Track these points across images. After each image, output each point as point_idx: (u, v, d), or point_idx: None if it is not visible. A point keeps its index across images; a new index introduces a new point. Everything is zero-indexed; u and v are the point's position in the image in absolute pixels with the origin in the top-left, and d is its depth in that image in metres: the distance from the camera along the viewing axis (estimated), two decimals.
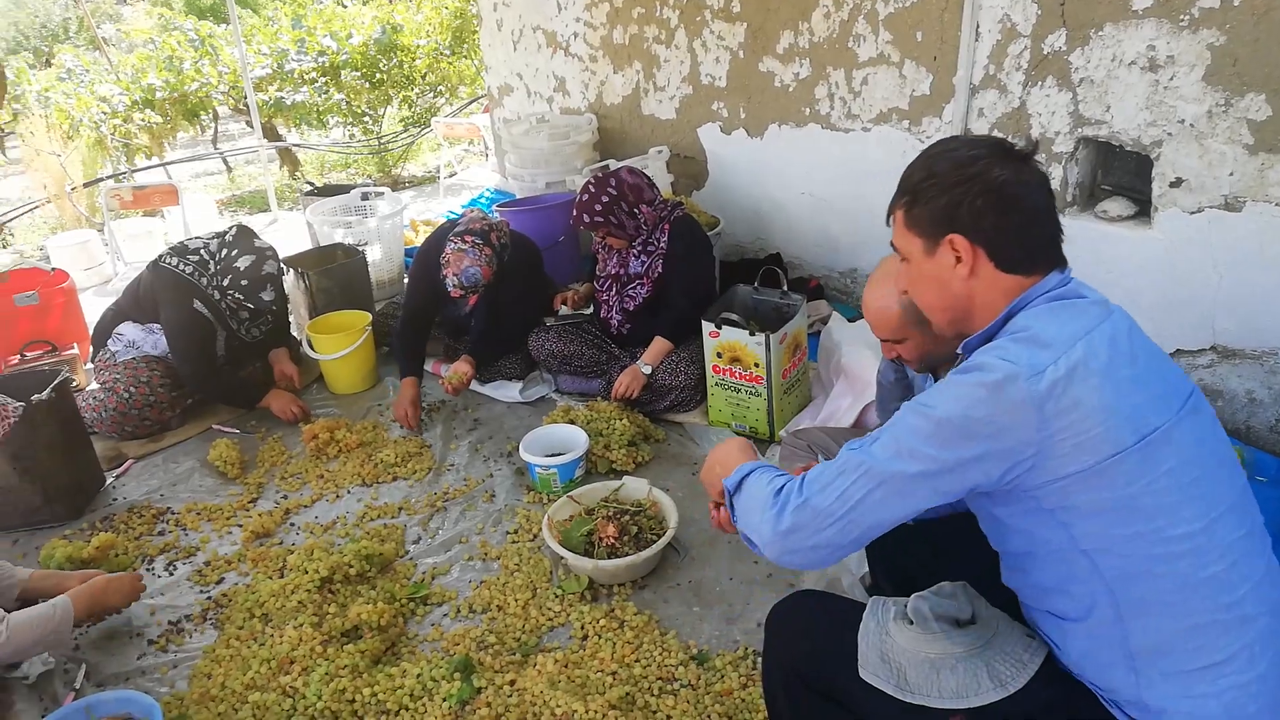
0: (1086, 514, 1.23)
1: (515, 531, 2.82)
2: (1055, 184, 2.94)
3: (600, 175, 3.29)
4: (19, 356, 3.81)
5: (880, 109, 3.53)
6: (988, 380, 1.21)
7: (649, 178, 3.36)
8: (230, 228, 3.55)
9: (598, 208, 3.23)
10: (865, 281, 2.54)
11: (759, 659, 2.21)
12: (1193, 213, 2.68)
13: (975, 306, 1.36)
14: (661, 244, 3.31)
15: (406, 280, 3.84)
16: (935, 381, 2.06)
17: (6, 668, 2.32)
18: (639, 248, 3.34)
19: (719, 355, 3.08)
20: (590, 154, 4.68)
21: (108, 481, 3.23)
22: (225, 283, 3.42)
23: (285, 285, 3.87)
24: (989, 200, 1.30)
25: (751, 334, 2.96)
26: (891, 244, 1.43)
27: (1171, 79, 2.62)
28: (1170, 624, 1.23)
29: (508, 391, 3.60)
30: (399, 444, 3.31)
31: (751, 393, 3.06)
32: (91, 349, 3.66)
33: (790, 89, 3.82)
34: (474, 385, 3.64)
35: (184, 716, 2.17)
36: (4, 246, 7.80)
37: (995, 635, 1.39)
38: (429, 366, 3.77)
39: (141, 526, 2.96)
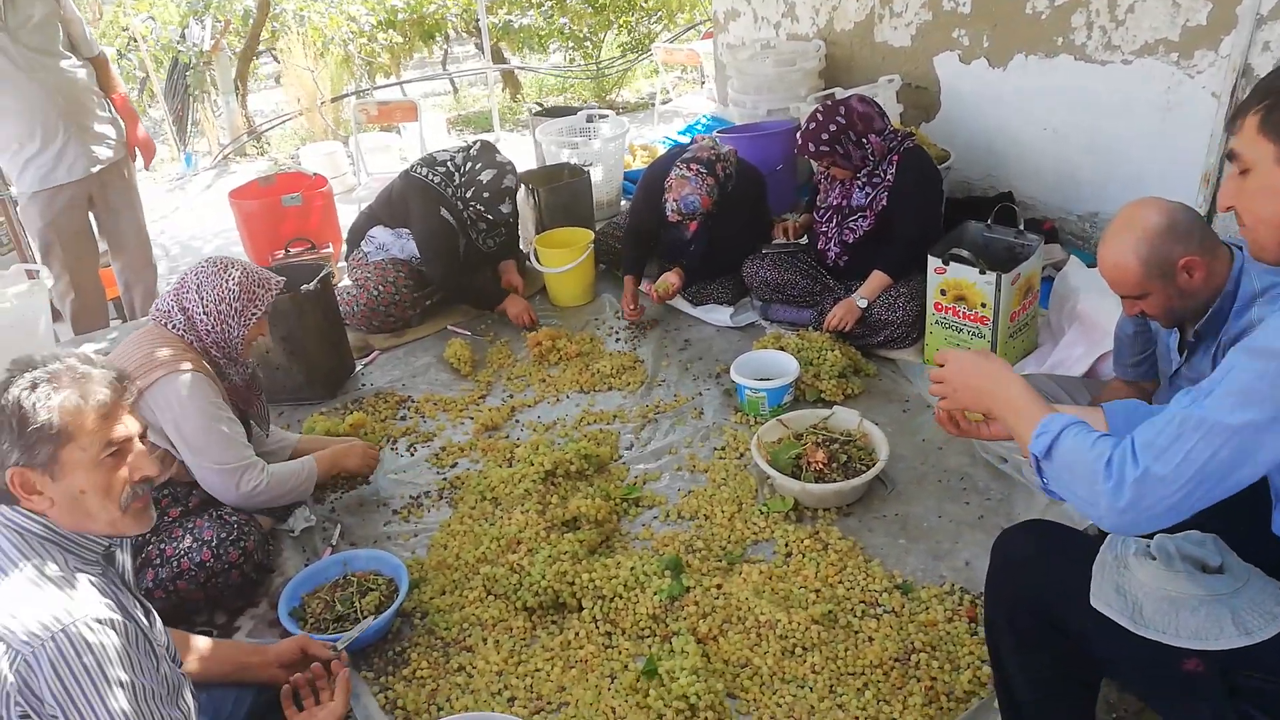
0: None
1: (723, 448, 2.91)
2: None
3: (829, 103, 3.24)
4: (284, 252, 4.25)
5: (1145, 40, 3.25)
6: None
7: (880, 106, 3.27)
8: (474, 142, 3.77)
9: (824, 136, 3.18)
10: (1105, 226, 2.40)
11: (966, 596, 2.20)
12: None
13: None
14: (888, 176, 3.23)
15: (628, 202, 3.96)
16: (1182, 337, 1.94)
17: (278, 521, 2.67)
18: (864, 179, 3.27)
19: (942, 292, 3.00)
20: (815, 81, 4.59)
21: (357, 368, 3.58)
22: (469, 194, 3.65)
23: (517, 200, 4.09)
24: None
25: (981, 272, 2.86)
26: (1227, 153, 1.29)
27: None
28: None
29: (718, 315, 3.67)
30: (614, 357, 3.47)
31: (974, 333, 2.98)
32: (345, 249, 4.03)
33: (1043, 16, 3.58)
34: (685, 307, 3.74)
35: (424, 579, 2.43)
36: (261, 154, 8.63)
37: (1244, 586, 1.34)
38: (642, 287, 3.90)
39: (386, 411, 3.28)
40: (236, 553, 2.29)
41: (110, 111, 3.80)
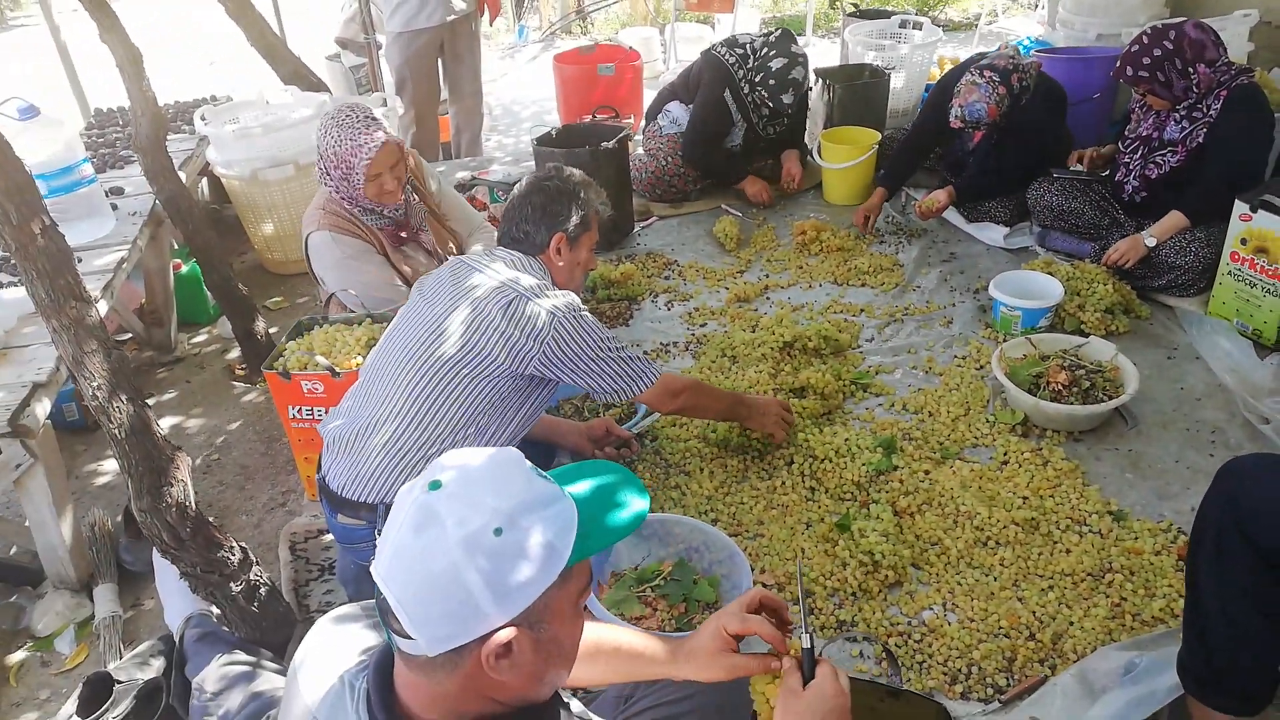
0: None
1: (963, 358, 2.93)
2: None
3: (1160, 25, 3.01)
4: (591, 116, 4.62)
5: None
6: None
7: (1217, 35, 3.00)
8: (775, 29, 3.89)
9: (1146, 60, 2.96)
10: None
11: (1182, 536, 2.15)
12: None
13: None
14: (1212, 111, 2.98)
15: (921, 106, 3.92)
16: None
17: None
18: (1182, 111, 3.04)
19: (1243, 242, 2.78)
20: (1158, 8, 4.21)
21: (636, 229, 3.91)
22: (757, 79, 3.79)
23: (811, 95, 4.17)
24: None
25: None
26: None
27: None
28: None
29: (991, 234, 3.60)
30: (874, 257, 3.53)
31: (1270, 291, 2.75)
32: (644, 121, 4.32)
33: None
34: (959, 221, 3.69)
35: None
36: (584, 33, 9.16)
37: None
38: (917, 195, 3.87)
39: (654, 269, 3.59)
40: None
41: None
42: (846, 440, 2.49)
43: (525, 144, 6.22)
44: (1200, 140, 3.00)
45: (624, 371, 2.05)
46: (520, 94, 7.42)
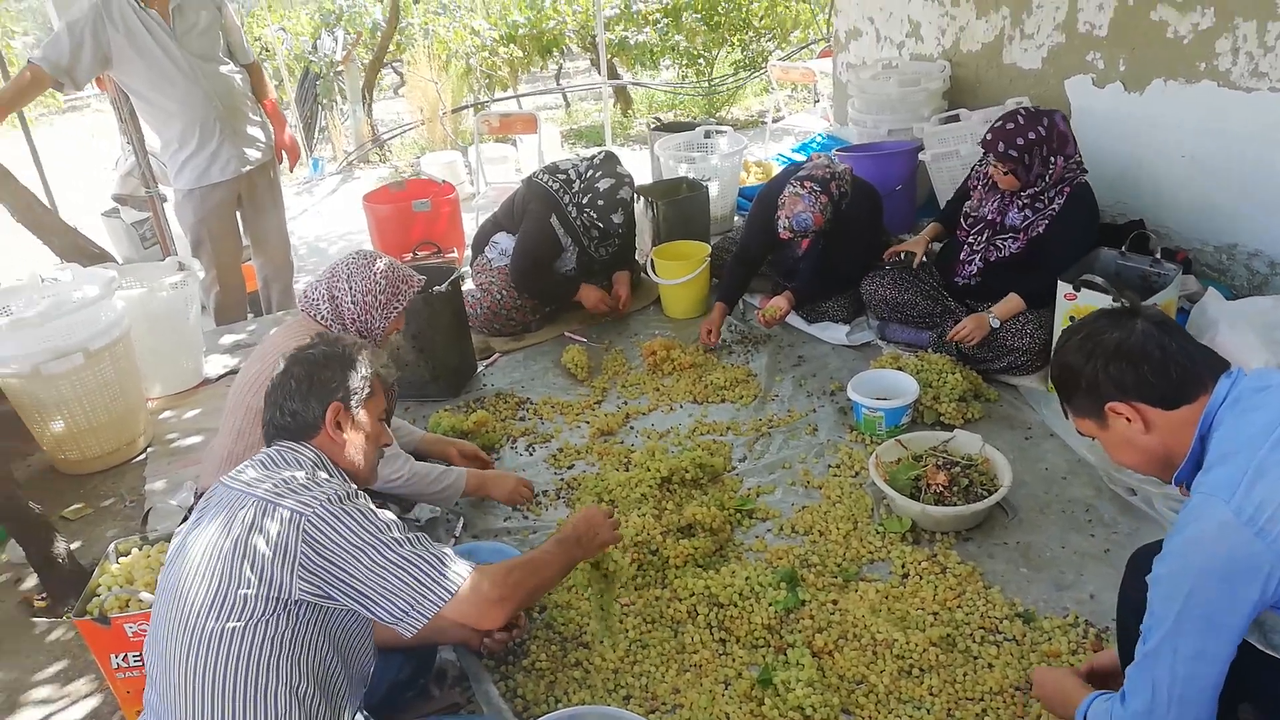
0: None
1: (837, 466, 2.91)
2: None
3: (1033, 110, 3.10)
4: (411, 255, 4.43)
5: None
6: (1203, 534, 1.33)
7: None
8: (599, 152, 3.88)
9: (1020, 141, 3.03)
10: (1244, 258, 2.29)
11: (1091, 629, 2.16)
12: None
13: (1171, 447, 1.50)
14: (1054, 205, 3.13)
15: (741, 217, 4.00)
16: None
17: (403, 510, 2.79)
18: (1026, 199, 3.18)
19: (1071, 319, 2.94)
20: (939, 102, 4.55)
21: (479, 369, 3.71)
22: (584, 200, 3.76)
23: (634, 213, 4.17)
24: (1116, 363, 1.50)
25: (1115, 301, 2.79)
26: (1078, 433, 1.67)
27: None
28: None
29: (833, 333, 3.67)
30: (727, 370, 3.51)
31: None
32: (470, 253, 4.18)
33: (1185, 41, 3.47)
34: (800, 324, 3.75)
35: None
36: (383, 161, 8.99)
37: None
38: (755, 301, 3.93)
39: (506, 411, 3.39)
40: None
41: (261, 115, 4.04)
42: (747, 579, 2.37)
43: None
44: (1040, 230, 3.15)
45: (413, 579, 1.52)
46: (324, 229, 7.12)
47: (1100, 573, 2.35)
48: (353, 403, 1.75)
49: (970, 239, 3.34)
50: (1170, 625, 1.35)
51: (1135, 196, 3.86)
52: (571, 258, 3.93)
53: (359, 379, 1.77)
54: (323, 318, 2.49)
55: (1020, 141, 3.03)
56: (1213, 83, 3.43)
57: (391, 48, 9.97)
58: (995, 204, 3.28)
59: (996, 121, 3.12)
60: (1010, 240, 3.23)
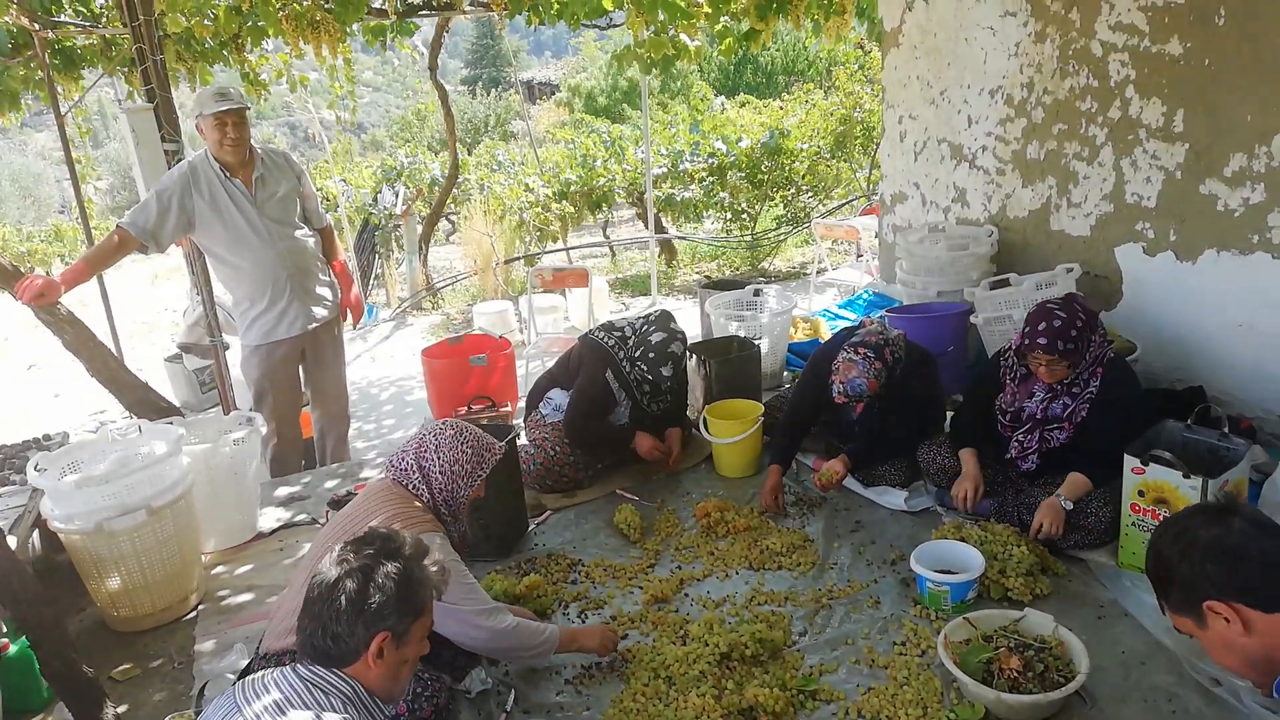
0: None
1: (903, 644, 2.80)
2: None
3: (1059, 301, 3.11)
4: (466, 409, 4.49)
5: None
6: None
7: None
8: (656, 310, 3.97)
9: (1072, 333, 3.00)
10: None
11: None
12: None
13: (1271, 650, 1.47)
14: (1090, 388, 3.12)
15: (796, 378, 4.02)
16: None
17: (455, 681, 2.72)
18: (1062, 386, 3.17)
19: (1140, 494, 2.87)
20: (987, 266, 4.63)
21: (530, 528, 3.69)
22: (637, 354, 3.82)
23: (687, 370, 4.22)
24: (1214, 561, 1.48)
25: (1186, 476, 2.73)
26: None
27: None
28: None
29: (891, 499, 3.61)
30: (783, 534, 3.45)
31: None
32: (524, 408, 4.22)
33: (1236, 214, 3.53)
34: (857, 488, 3.70)
35: None
36: (434, 309, 9.27)
37: None
38: (810, 461, 3.90)
39: (558, 574, 3.34)
40: (429, 709, 2.34)
41: (330, 276, 4.21)
42: None
43: (388, 427, 6.00)
44: (1083, 415, 3.13)
45: None
46: (376, 374, 7.29)
47: None
48: (399, 629, 1.64)
49: (1020, 436, 3.30)
50: None
51: (1193, 362, 3.84)
52: (625, 412, 3.96)
53: (416, 601, 1.66)
54: (413, 486, 2.55)
55: (1074, 333, 3.02)
56: (1267, 255, 3.46)
57: (449, 201, 10.46)
58: (1040, 399, 3.23)
59: (1038, 324, 3.05)
60: (1058, 430, 3.20)
